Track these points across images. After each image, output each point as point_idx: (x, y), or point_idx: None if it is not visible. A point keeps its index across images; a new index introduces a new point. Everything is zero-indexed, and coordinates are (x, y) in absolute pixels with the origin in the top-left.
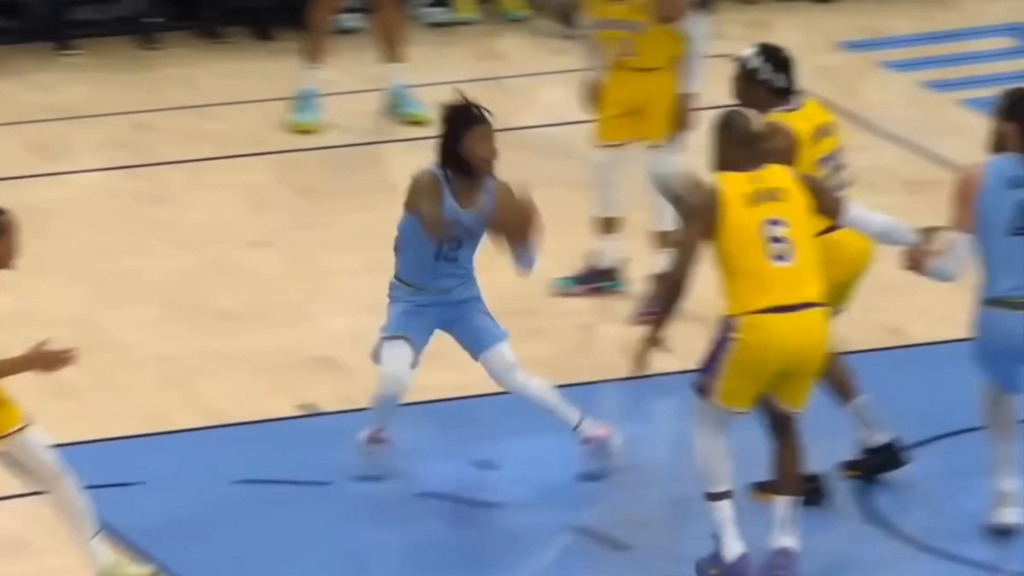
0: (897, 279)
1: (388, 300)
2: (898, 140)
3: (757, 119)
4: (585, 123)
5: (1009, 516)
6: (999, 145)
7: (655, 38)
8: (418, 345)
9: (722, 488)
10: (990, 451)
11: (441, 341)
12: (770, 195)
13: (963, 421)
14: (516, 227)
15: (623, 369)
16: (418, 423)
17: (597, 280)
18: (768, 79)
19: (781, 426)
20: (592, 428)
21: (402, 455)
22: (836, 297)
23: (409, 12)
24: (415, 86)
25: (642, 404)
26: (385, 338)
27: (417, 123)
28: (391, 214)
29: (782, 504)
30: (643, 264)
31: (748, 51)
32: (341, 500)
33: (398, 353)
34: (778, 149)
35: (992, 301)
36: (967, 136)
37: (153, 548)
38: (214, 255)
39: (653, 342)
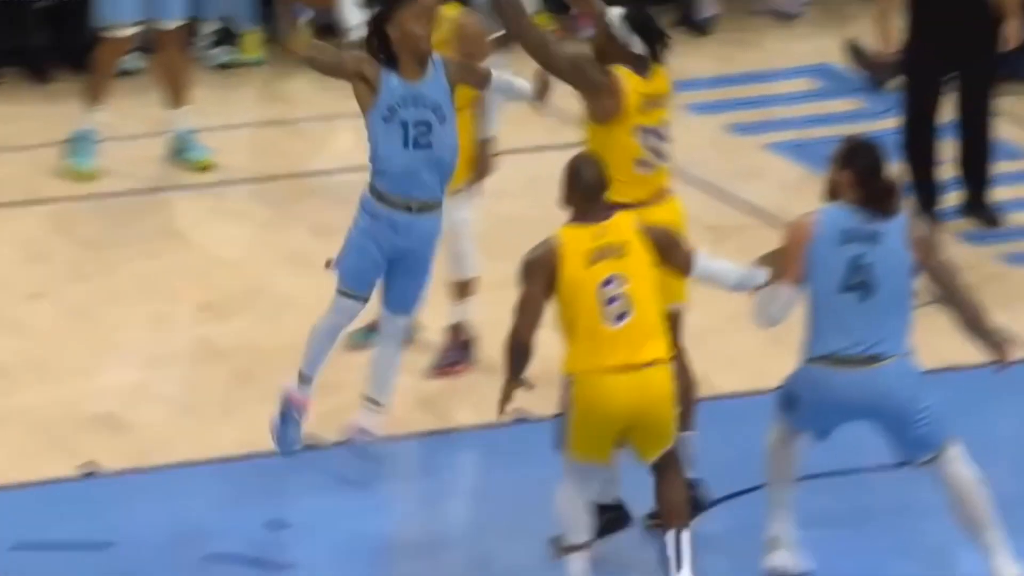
0: (704, 329)
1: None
2: (702, 185)
3: (604, 170)
4: None
5: (779, 559)
6: (833, 193)
7: None
8: (368, 291)
9: (577, 541)
10: (769, 495)
11: (238, 393)
12: (611, 251)
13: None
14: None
15: (419, 422)
16: (209, 481)
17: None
18: (625, 43)
19: (659, 463)
20: (375, 424)
21: (191, 515)
22: (667, 290)
23: (192, 53)
24: (200, 130)
25: (439, 458)
26: (342, 291)
27: (203, 169)
28: (176, 263)
29: (671, 537)
30: (440, 315)
31: (616, 10)
32: (126, 563)
33: (345, 308)
34: (606, 91)
35: (821, 358)
36: (770, 180)
37: None
38: None
39: (515, 386)
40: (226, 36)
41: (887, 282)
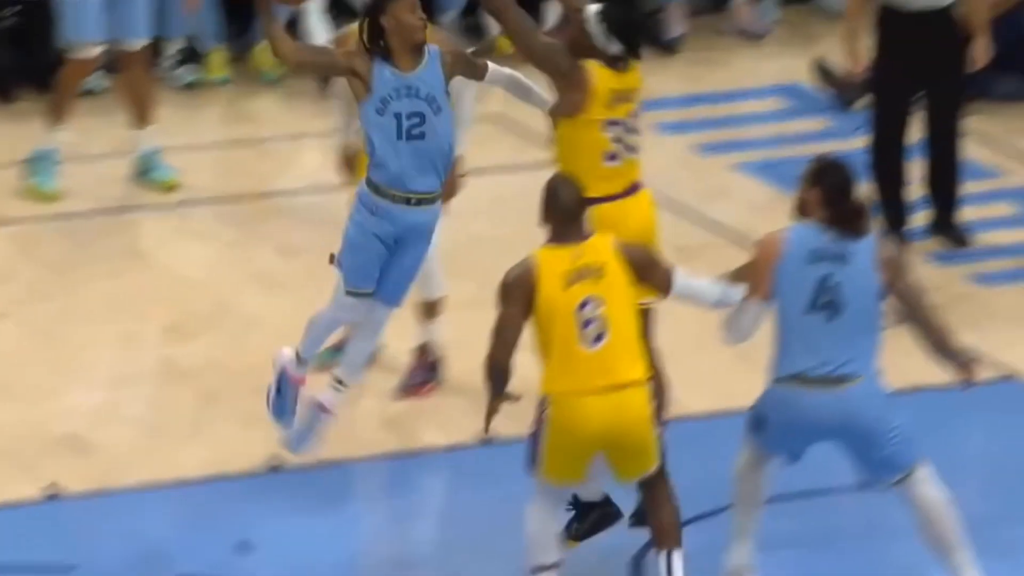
0: (671, 347)
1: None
2: (670, 204)
3: (582, 191)
4: (343, 189)
5: None
6: (802, 211)
7: None
8: (373, 285)
9: (548, 561)
10: (734, 521)
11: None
12: (589, 272)
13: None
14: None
15: (385, 443)
16: (175, 503)
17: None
18: (600, 44)
19: (646, 484)
20: (334, 402)
21: (157, 537)
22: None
23: (157, 72)
24: (165, 150)
25: (406, 479)
26: (349, 292)
27: (169, 189)
28: (141, 283)
29: (663, 559)
30: (407, 336)
31: (594, 6)
32: None
33: (351, 306)
34: (573, 84)
35: (790, 378)
36: (738, 200)
37: None
38: None
39: (499, 402)
40: (191, 55)
41: (855, 302)
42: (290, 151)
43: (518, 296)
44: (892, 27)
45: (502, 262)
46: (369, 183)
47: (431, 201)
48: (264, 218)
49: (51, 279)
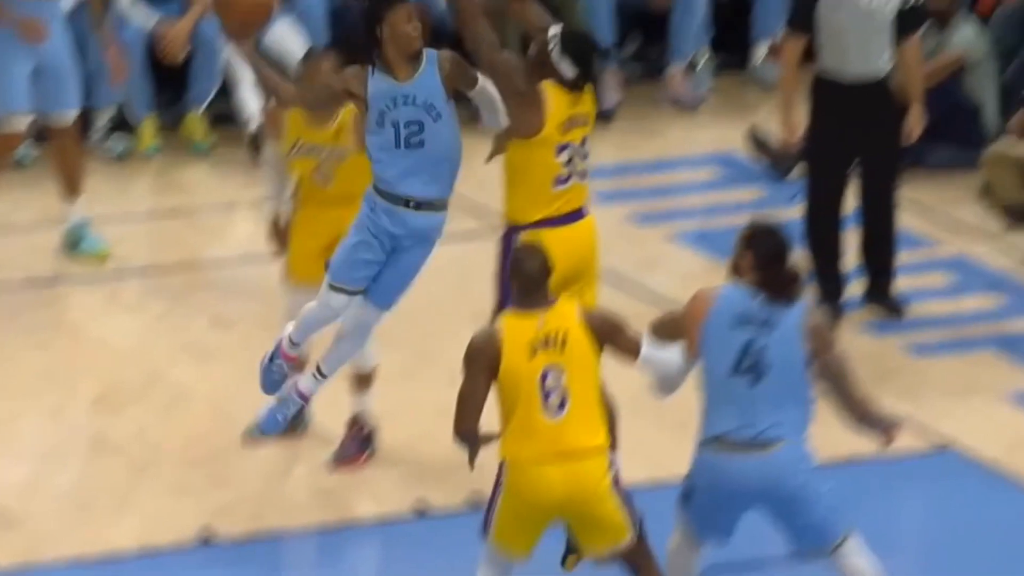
0: None
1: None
2: (606, 275)
3: (547, 259)
4: (275, 258)
5: None
6: (736, 273)
7: (354, 165)
8: (358, 285)
9: None
10: None
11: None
12: (553, 341)
13: None
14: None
15: (318, 514)
16: None
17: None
18: (556, 66)
19: (628, 561)
20: (311, 390)
21: None
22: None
23: (88, 143)
24: (96, 220)
25: (339, 552)
26: (333, 286)
27: (99, 260)
28: (70, 355)
29: None
30: (340, 407)
31: (553, 30)
32: None
33: (331, 302)
34: (528, 104)
35: (713, 439)
36: (673, 271)
37: None
38: None
39: (477, 449)
40: (121, 124)
41: (779, 368)
42: (222, 221)
43: (482, 363)
44: (827, 97)
45: (433, 333)
46: (374, 186)
47: (433, 207)
48: (196, 288)
49: None
